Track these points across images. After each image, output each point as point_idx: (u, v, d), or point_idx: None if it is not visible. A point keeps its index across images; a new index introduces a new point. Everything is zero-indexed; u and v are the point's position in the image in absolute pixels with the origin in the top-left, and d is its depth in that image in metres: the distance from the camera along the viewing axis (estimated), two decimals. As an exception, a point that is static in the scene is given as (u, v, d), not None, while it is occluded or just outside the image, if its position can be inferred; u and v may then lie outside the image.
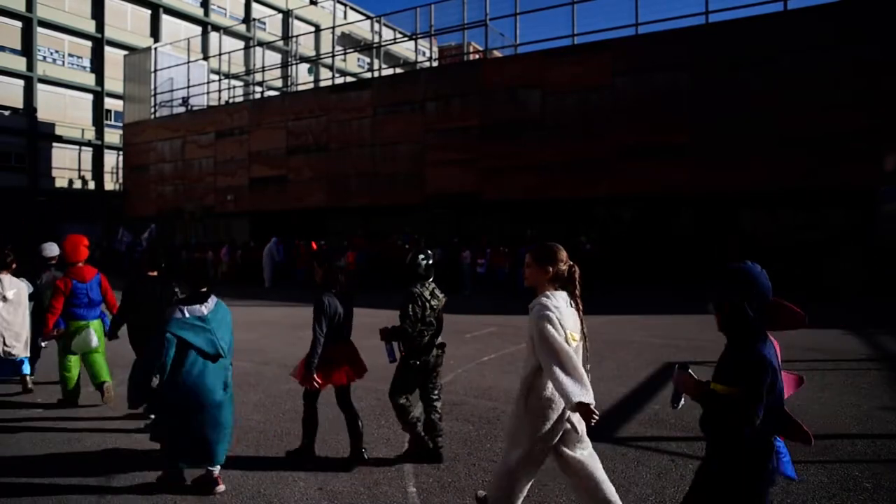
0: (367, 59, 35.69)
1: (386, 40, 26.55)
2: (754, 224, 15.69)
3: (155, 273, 4.51)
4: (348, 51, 30.13)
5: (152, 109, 28.08)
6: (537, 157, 17.15)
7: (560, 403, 2.88)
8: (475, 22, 20.08)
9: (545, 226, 17.58)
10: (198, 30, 34.68)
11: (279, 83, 30.93)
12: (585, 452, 2.96)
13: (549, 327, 2.79)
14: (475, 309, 12.66)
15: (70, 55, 31.84)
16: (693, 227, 16.21)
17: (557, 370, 2.73)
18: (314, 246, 4.86)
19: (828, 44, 13.91)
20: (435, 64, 25.46)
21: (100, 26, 32.24)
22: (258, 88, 28.83)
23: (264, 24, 35.51)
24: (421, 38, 23.16)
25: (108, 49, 32.34)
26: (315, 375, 3.97)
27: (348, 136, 21.25)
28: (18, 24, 29.63)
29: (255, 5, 38.02)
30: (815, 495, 3.54)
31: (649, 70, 15.97)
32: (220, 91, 27.29)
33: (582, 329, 3.00)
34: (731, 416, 2.17)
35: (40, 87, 30.49)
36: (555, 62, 17.39)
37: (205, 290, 3.79)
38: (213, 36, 30.58)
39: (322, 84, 26.14)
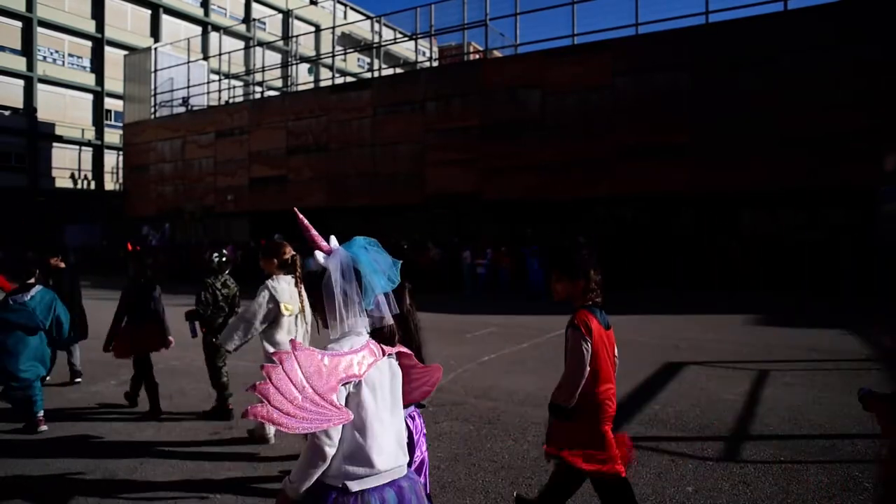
0: (367, 59, 35.68)
1: (386, 40, 26.55)
2: (754, 224, 15.69)
3: (33, 281, 4.91)
4: (348, 51, 30.13)
5: (152, 109, 28.08)
6: (537, 157, 17.15)
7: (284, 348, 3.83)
8: (475, 22, 20.10)
9: (545, 226, 17.58)
10: (198, 30, 34.66)
11: (279, 83, 30.91)
12: None
13: (260, 298, 4.00)
14: (475, 309, 12.66)
15: (70, 55, 31.82)
16: (693, 227, 16.21)
17: (251, 321, 3.99)
18: (129, 247, 5.54)
19: (828, 44, 13.91)
20: (435, 64, 25.45)
21: (100, 26, 32.23)
22: (258, 88, 28.82)
23: (264, 24, 35.48)
24: (421, 38, 23.17)
25: (108, 49, 32.33)
26: (118, 346, 5.12)
27: (348, 136, 21.25)
28: (18, 24, 29.62)
29: (255, 5, 37.99)
30: (815, 495, 3.54)
31: (649, 70, 15.97)
32: (220, 91, 27.30)
33: (301, 303, 4.10)
34: None
35: (40, 87, 30.48)
36: (555, 62, 17.39)
37: (31, 282, 4.86)
38: (213, 36, 30.58)
39: (322, 84, 26.15)
